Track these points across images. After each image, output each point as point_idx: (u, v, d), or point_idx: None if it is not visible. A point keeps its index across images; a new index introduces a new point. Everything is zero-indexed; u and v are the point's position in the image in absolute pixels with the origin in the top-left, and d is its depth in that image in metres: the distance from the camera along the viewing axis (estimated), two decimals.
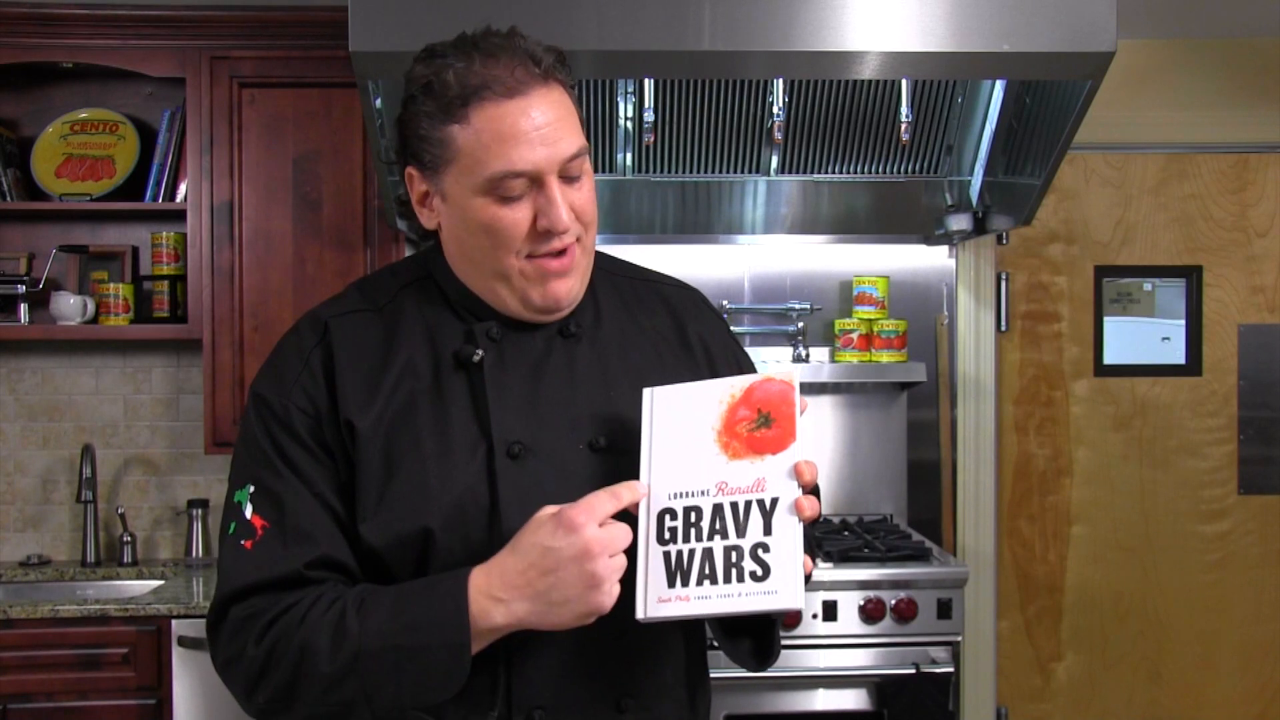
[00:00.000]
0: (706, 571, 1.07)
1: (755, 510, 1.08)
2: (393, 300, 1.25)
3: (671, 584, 1.08)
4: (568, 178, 1.18)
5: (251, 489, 1.16)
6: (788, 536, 1.07)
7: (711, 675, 1.34)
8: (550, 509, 1.08)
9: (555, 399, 1.20)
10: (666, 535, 1.09)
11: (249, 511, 1.16)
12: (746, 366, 1.36)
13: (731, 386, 1.14)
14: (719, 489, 1.10)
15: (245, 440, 1.20)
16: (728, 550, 1.07)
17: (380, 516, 1.15)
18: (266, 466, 1.17)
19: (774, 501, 1.08)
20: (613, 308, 1.29)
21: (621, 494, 1.09)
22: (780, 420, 1.10)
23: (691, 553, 1.08)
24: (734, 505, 1.09)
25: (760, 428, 1.10)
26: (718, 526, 1.08)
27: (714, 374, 1.29)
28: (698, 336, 1.32)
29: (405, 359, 1.20)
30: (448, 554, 1.14)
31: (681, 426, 1.13)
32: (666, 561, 1.09)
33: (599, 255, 1.35)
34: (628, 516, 1.11)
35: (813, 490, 1.12)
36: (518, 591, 1.06)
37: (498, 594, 1.07)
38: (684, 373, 1.26)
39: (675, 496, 1.10)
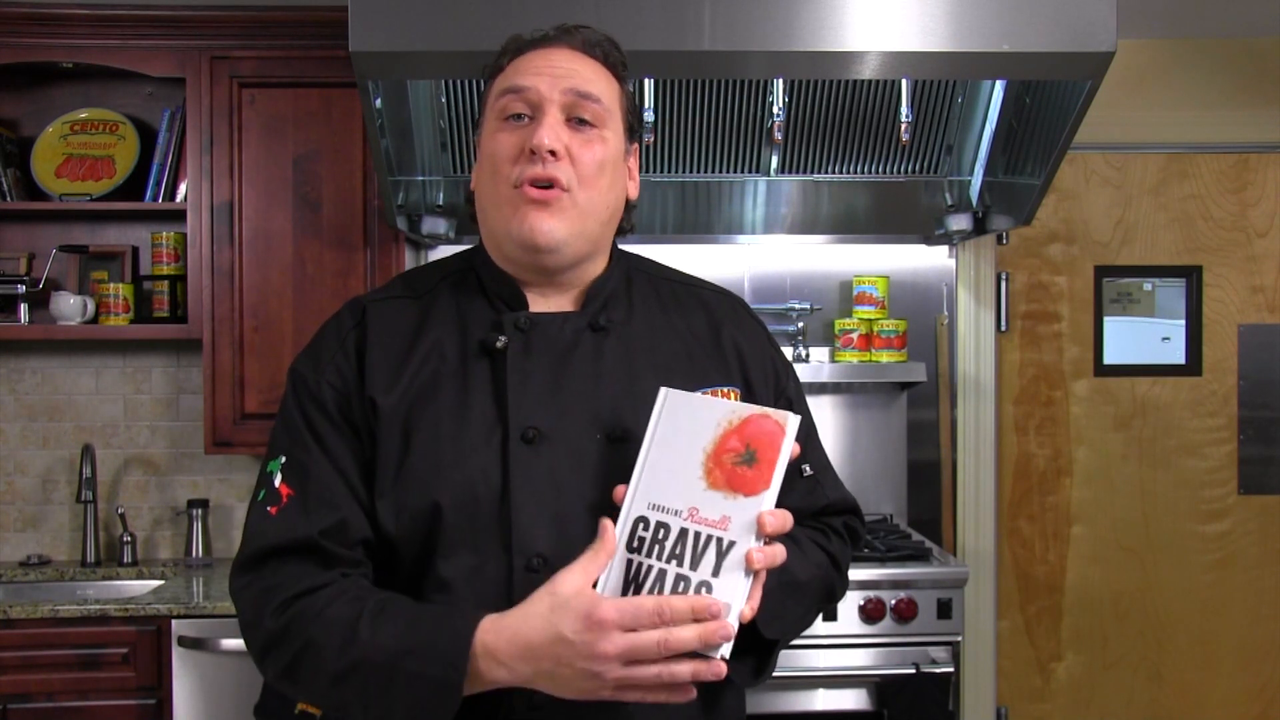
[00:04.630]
0: (654, 594, 1.06)
1: (712, 547, 1.06)
2: (432, 290, 1.28)
3: (624, 592, 1.08)
4: (577, 120, 1.21)
5: (283, 460, 1.20)
6: (730, 586, 1.05)
7: None
8: (588, 590, 1.04)
9: (577, 389, 1.21)
10: (635, 543, 1.09)
11: (278, 480, 1.20)
12: (784, 376, 1.36)
13: (733, 413, 1.11)
14: (690, 514, 1.08)
15: (282, 415, 1.24)
16: (677, 579, 1.06)
17: (394, 492, 1.17)
18: (298, 440, 1.21)
19: (730, 545, 1.06)
20: (647, 306, 1.30)
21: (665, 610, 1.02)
22: (763, 462, 1.08)
23: (649, 569, 1.08)
24: (697, 535, 1.07)
25: (742, 464, 1.08)
26: (677, 551, 1.07)
27: (746, 381, 1.29)
28: (732, 341, 1.31)
29: (433, 342, 1.23)
30: (455, 533, 1.15)
31: (680, 437, 1.12)
32: (627, 569, 1.09)
33: (641, 258, 1.37)
34: (612, 509, 1.12)
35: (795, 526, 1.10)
36: (523, 663, 1.05)
37: (503, 659, 1.05)
38: (714, 374, 1.27)
39: (653, 508, 1.10)
